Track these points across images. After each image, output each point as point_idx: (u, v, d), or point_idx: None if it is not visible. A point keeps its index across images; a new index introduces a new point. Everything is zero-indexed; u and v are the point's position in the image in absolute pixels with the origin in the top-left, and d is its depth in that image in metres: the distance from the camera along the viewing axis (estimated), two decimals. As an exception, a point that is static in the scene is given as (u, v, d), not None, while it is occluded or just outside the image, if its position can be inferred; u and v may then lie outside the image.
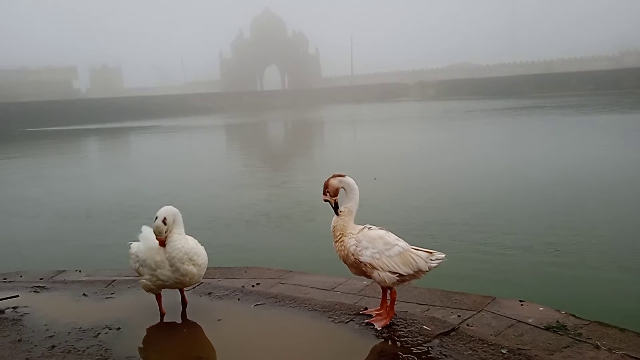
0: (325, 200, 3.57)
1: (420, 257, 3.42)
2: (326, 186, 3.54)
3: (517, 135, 24.90)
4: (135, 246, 3.93)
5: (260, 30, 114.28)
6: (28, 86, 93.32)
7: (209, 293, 4.36)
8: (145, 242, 3.84)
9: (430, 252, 3.48)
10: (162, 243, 3.67)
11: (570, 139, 21.22)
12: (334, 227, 3.55)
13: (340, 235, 3.50)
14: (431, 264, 3.44)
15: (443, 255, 3.48)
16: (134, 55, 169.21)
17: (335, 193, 3.54)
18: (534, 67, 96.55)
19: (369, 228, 3.52)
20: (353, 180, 3.56)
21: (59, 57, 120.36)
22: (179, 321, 3.89)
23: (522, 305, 4.03)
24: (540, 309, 3.93)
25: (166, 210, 3.66)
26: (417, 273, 3.43)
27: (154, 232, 3.65)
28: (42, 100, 65.32)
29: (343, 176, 3.56)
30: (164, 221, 3.62)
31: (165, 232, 3.64)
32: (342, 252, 3.49)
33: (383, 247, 3.40)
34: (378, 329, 3.45)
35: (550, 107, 41.05)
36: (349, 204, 3.54)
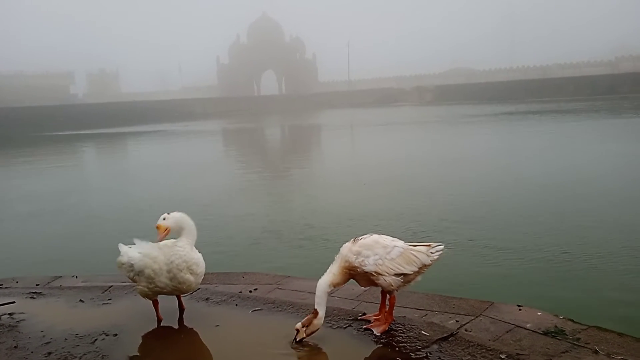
0: (297, 337, 3.39)
1: (421, 252, 3.45)
2: (306, 327, 3.37)
3: (516, 139, 24.89)
4: (125, 254, 3.84)
5: (258, 35, 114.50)
6: (25, 91, 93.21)
7: (207, 299, 4.34)
8: (144, 253, 3.78)
9: (429, 245, 3.52)
10: (160, 233, 3.68)
11: (568, 142, 21.26)
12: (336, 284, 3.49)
13: (344, 269, 3.44)
14: (433, 257, 3.47)
15: (442, 246, 3.52)
16: (131, 60, 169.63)
17: (312, 332, 3.39)
18: (530, 72, 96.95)
19: (360, 238, 3.51)
20: (321, 288, 3.42)
21: (55, 62, 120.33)
22: (177, 327, 3.87)
23: (520, 310, 4.02)
24: (539, 313, 3.92)
25: (180, 214, 3.75)
26: (421, 269, 3.45)
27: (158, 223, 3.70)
28: (39, 106, 65.24)
29: (316, 313, 3.39)
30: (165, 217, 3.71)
31: (164, 231, 3.67)
32: (353, 272, 3.46)
33: (383, 251, 3.40)
34: (377, 334, 3.44)
35: (551, 112, 41.21)
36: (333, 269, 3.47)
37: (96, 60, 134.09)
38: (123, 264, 3.85)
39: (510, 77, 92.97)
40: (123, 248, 3.92)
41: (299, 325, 3.41)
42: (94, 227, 10.47)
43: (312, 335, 3.41)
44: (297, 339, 3.39)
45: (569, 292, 5.88)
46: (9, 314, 4.22)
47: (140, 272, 3.74)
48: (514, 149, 20.56)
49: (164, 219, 3.69)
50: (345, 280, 3.52)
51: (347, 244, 3.54)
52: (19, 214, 12.26)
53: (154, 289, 3.75)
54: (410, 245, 3.51)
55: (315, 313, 3.38)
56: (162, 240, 3.71)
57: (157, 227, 3.67)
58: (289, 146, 30.78)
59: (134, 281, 3.84)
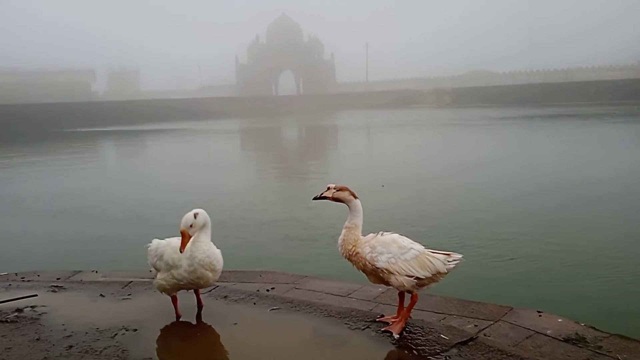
0: (326, 194, 3.56)
1: (438, 259, 3.41)
2: (340, 189, 3.55)
3: (538, 144, 24.50)
4: (156, 242, 3.97)
5: (276, 35, 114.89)
6: (47, 88, 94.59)
7: (225, 296, 4.36)
8: (168, 241, 3.90)
9: (448, 254, 3.48)
10: (184, 239, 3.63)
11: (593, 148, 20.90)
12: (343, 240, 3.53)
13: (353, 248, 3.48)
14: (449, 266, 3.43)
15: (460, 256, 3.48)
16: (152, 59, 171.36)
17: (336, 199, 3.55)
18: (551, 76, 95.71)
19: (382, 234, 3.53)
20: (360, 204, 3.57)
21: (77, 60, 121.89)
22: (195, 324, 3.90)
23: (540, 316, 3.97)
24: (559, 320, 3.87)
25: (201, 211, 3.72)
26: (436, 276, 3.41)
27: (182, 223, 3.65)
28: (60, 102, 66.15)
29: (355, 197, 3.55)
30: (195, 215, 3.66)
31: (191, 226, 3.64)
32: (360, 263, 3.48)
33: (398, 251, 3.39)
34: (395, 337, 3.41)
35: (573, 116, 40.68)
36: (356, 220, 3.53)
37: (117, 61, 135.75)
38: (152, 249, 3.94)
39: (530, 80, 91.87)
40: (155, 241, 4.01)
41: (332, 185, 3.56)
42: (115, 223, 10.59)
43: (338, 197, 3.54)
44: (321, 195, 3.55)
45: (591, 300, 5.80)
46: (32, 306, 4.29)
47: (161, 257, 3.80)
48: (536, 154, 20.24)
49: (196, 214, 3.68)
50: (346, 250, 3.51)
51: (370, 234, 3.56)
52: (41, 209, 12.45)
53: (171, 282, 3.77)
54: (430, 251, 3.48)
55: (354, 195, 3.54)
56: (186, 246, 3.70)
57: (182, 233, 3.65)
58: (309, 147, 30.78)
59: (156, 268, 3.88)
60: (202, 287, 3.94)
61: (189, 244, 3.70)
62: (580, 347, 3.42)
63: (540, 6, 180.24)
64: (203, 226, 3.74)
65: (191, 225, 3.65)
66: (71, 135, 42.19)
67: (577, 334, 3.60)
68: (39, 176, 19.09)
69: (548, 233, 8.45)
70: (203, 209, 3.80)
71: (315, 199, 3.62)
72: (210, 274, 3.76)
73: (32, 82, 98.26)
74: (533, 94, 71.23)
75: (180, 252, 3.66)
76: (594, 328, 3.72)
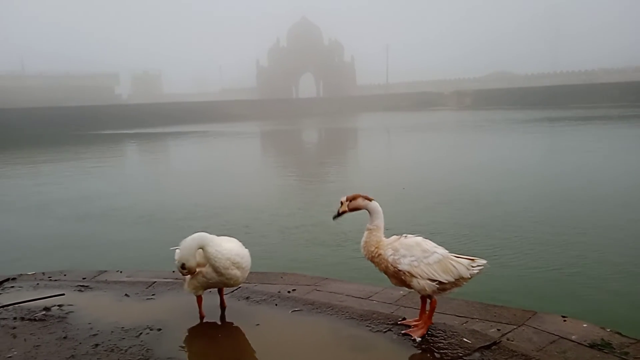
0: (341, 209, 3.57)
1: (461, 264, 3.39)
2: (352, 198, 3.55)
3: (565, 147, 24.05)
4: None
5: (297, 38, 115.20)
6: (72, 92, 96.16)
7: (247, 297, 4.41)
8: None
9: (472, 259, 3.45)
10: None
11: (621, 152, 20.49)
12: (365, 242, 3.54)
13: (376, 249, 3.49)
14: (473, 271, 3.40)
15: (485, 262, 3.45)
16: (174, 63, 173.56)
17: (353, 209, 3.55)
18: (574, 78, 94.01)
19: (405, 237, 3.52)
20: (378, 205, 3.57)
21: (101, 65, 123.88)
22: (219, 324, 3.94)
23: (564, 321, 3.92)
24: (584, 325, 3.82)
25: (183, 254, 3.63)
26: (458, 280, 3.39)
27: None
28: (85, 105, 67.27)
29: (370, 200, 3.55)
30: (183, 266, 3.65)
31: (187, 273, 3.70)
32: (382, 265, 3.48)
33: (421, 254, 3.38)
34: (417, 340, 3.41)
35: (599, 118, 39.99)
36: (377, 222, 3.53)
37: (140, 63, 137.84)
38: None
39: (553, 82, 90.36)
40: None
41: (344, 198, 3.55)
42: (139, 228, 10.74)
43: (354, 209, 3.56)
44: (339, 212, 3.56)
45: (616, 305, 5.70)
46: (59, 305, 4.39)
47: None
48: (564, 159, 19.83)
49: (184, 263, 3.64)
50: (368, 252, 3.52)
51: (394, 236, 3.56)
52: (66, 210, 12.69)
53: (201, 280, 3.80)
54: (454, 255, 3.46)
55: (369, 199, 3.52)
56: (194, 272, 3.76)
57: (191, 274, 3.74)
58: (330, 150, 30.71)
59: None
60: (231, 286, 3.99)
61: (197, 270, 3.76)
62: (606, 353, 3.37)
63: (562, 6, 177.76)
64: (203, 248, 3.68)
65: (186, 273, 3.69)
66: (95, 138, 42.89)
67: (602, 339, 3.55)
68: (64, 179, 19.43)
69: (574, 237, 8.33)
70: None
71: (335, 217, 3.62)
72: (238, 272, 3.80)
73: (57, 85, 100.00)
74: (556, 95, 70.22)
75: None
76: (620, 334, 3.65)
